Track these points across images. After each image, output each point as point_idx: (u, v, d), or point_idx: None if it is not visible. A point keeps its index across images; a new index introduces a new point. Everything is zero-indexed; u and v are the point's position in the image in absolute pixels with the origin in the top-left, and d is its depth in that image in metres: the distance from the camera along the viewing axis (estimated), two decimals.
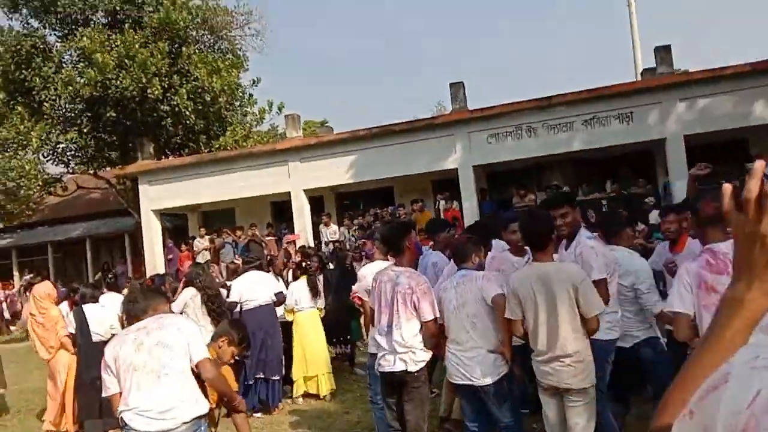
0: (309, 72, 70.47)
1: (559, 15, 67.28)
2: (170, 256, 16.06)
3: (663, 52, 13.29)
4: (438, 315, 4.06)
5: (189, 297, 6.30)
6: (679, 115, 12.84)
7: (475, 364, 3.85)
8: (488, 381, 3.81)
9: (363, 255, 11.06)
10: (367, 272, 5.17)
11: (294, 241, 12.88)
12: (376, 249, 5.75)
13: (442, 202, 13.98)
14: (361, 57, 73.14)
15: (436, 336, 4.09)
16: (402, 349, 4.03)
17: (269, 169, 15.39)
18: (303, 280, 7.60)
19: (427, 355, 4.16)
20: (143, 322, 3.37)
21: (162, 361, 3.21)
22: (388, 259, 4.82)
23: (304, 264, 7.91)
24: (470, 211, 13.60)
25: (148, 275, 13.06)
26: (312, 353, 7.24)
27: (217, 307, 6.31)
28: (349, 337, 8.52)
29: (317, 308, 7.61)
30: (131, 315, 3.55)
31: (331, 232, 14.67)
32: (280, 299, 7.11)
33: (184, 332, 3.31)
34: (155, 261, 16.08)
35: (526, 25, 68.61)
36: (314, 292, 7.52)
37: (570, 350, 3.55)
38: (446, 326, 4.05)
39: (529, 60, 66.95)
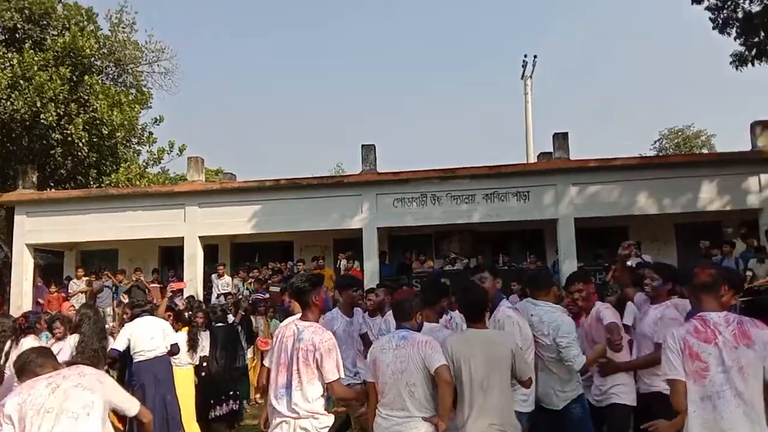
0: (214, 118, 69.13)
1: (461, 93, 71.09)
2: (39, 299, 14.62)
3: (561, 139, 14.22)
4: (342, 375, 3.77)
5: (74, 344, 5.52)
6: (571, 198, 13.66)
7: None
8: None
9: (266, 308, 10.72)
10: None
11: (180, 290, 12.15)
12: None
13: (344, 261, 13.83)
14: (268, 110, 73.01)
15: (345, 399, 3.87)
16: (304, 413, 3.65)
17: (163, 212, 14.62)
18: (183, 332, 7.06)
19: (330, 420, 3.81)
20: (54, 372, 3.24)
21: (84, 401, 3.10)
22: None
23: (188, 315, 7.38)
24: (371, 272, 13.56)
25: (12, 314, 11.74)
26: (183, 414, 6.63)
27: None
28: (238, 393, 8.05)
29: (192, 364, 7.12)
30: (27, 369, 3.29)
31: (224, 283, 14.01)
32: (174, 351, 6.53)
33: (106, 383, 3.32)
34: (21, 300, 14.57)
35: (428, 100, 71.69)
36: (193, 347, 7.00)
37: (505, 417, 3.65)
38: (380, 390, 3.71)
39: (432, 131, 69.67)
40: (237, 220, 14.53)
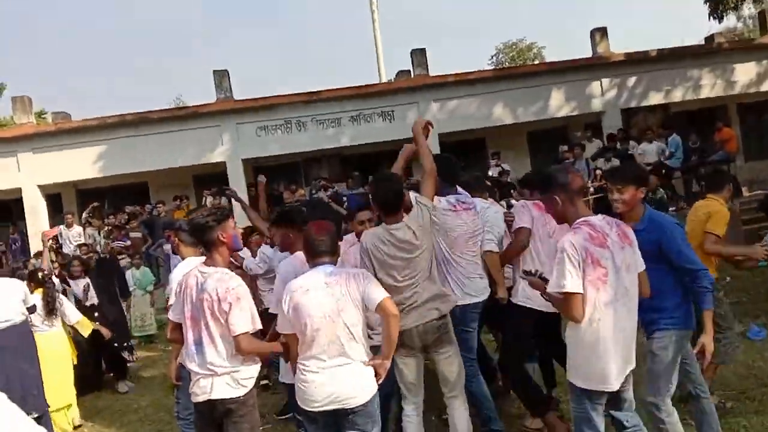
0: (32, 53, 60.76)
1: (312, 15, 68.53)
2: None
3: (419, 55, 14.17)
4: (257, 326, 3.24)
5: None
6: (434, 114, 13.81)
7: (348, 382, 3.08)
8: (361, 401, 3.09)
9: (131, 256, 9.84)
10: (176, 275, 4.04)
11: (56, 236, 10.81)
12: (180, 243, 4.45)
13: (210, 198, 13.04)
14: (98, 40, 65.59)
15: (256, 353, 3.29)
16: (221, 370, 3.20)
17: None
18: (38, 294, 6.14)
19: (255, 370, 3.37)
20: None
21: None
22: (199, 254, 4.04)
23: (40, 275, 6.32)
24: (238, 207, 12.91)
25: None
26: (54, 383, 5.83)
27: None
28: (128, 344, 7.54)
29: (58, 328, 6.21)
30: None
31: (75, 234, 12.66)
32: (33, 312, 5.73)
33: None
34: None
35: (284, 19, 68.36)
36: (50, 311, 6.10)
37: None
38: (307, 339, 3.07)
39: (288, 53, 66.79)
40: (80, 164, 13.09)
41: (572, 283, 2.76)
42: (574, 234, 2.85)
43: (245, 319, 3.15)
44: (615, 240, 2.86)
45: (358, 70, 61.89)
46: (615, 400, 2.99)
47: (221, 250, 3.33)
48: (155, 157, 13.13)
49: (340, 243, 3.70)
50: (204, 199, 13.52)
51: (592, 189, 11.57)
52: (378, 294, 3.08)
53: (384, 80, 21.04)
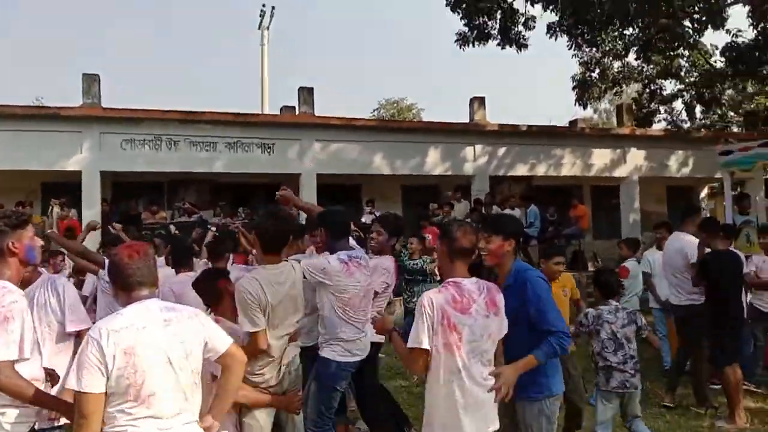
0: None
1: (201, 37, 66.73)
2: None
3: (306, 94, 14.12)
4: (23, 356, 2.56)
5: None
6: (315, 153, 13.74)
7: None
8: None
9: None
10: None
11: None
12: None
13: (57, 209, 11.88)
14: None
15: (7, 391, 2.52)
16: None
17: None
18: None
19: (27, 415, 2.69)
20: None
21: None
22: None
23: None
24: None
25: None
26: None
27: None
28: None
29: None
30: None
31: None
32: None
33: None
34: None
35: (170, 28, 65.73)
36: None
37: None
38: (138, 394, 2.30)
39: (168, 70, 64.04)
40: None
41: (421, 339, 2.73)
42: (438, 292, 2.81)
43: (8, 344, 2.50)
44: (481, 307, 2.80)
45: (238, 99, 60.94)
46: None
47: (9, 261, 2.73)
48: (3, 156, 11.78)
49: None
50: (50, 208, 12.33)
51: None
52: (223, 340, 2.53)
53: (266, 112, 20.77)
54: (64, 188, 12.55)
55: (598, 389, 4.43)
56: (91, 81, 12.47)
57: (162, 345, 2.34)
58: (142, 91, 54.89)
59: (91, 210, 12.02)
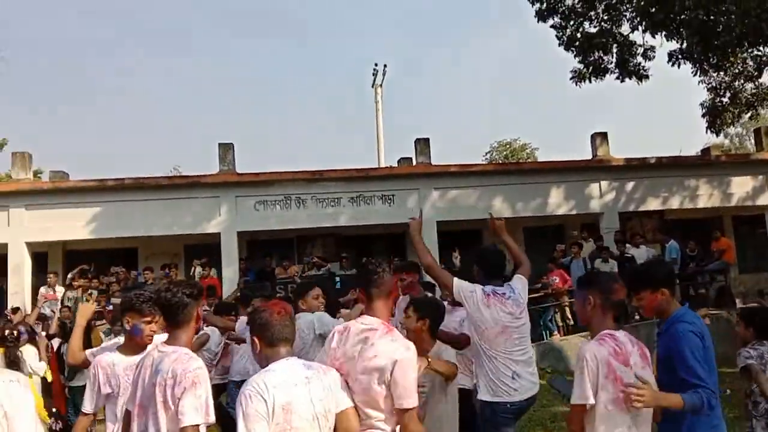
0: (37, 111, 61.61)
1: (315, 99, 70.56)
2: None
3: (422, 144, 14.40)
4: (210, 420, 2.67)
5: None
6: (433, 202, 13.88)
7: None
8: None
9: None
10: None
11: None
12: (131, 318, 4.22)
13: (199, 269, 12.76)
14: (99, 106, 66.86)
15: None
16: None
17: None
18: None
19: None
20: None
21: None
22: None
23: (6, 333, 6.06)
24: (230, 279, 12.65)
25: None
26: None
27: None
28: None
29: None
30: None
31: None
32: None
33: None
34: None
35: (290, 100, 70.18)
36: (14, 369, 5.79)
37: None
38: None
39: (294, 133, 68.16)
40: (71, 224, 12.85)
41: (586, 394, 2.63)
42: (599, 345, 2.70)
43: (197, 408, 2.60)
44: (637, 360, 2.73)
45: (358, 156, 63.16)
46: None
47: (189, 328, 2.90)
48: (149, 222, 12.96)
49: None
50: (193, 269, 13.24)
51: None
52: (345, 399, 2.59)
53: (383, 165, 21.34)
54: (205, 249, 13.46)
55: None
56: (226, 149, 13.47)
57: (309, 402, 2.43)
58: (271, 156, 58.54)
59: (230, 268, 12.83)
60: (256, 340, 2.58)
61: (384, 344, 2.72)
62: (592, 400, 2.62)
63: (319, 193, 13.41)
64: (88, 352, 3.79)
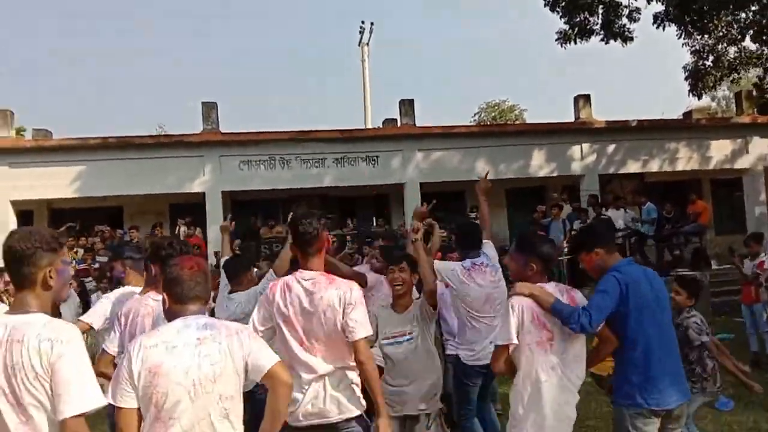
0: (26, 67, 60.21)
1: (300, 57, 69.44)
2: None
3: (407, 106, 14.42)
4: None
5: None
6: (417, 163, 14.00)
7: None
8: None
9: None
10: (109, 303, 3.77)
11: None
12: (129, 270, 4.20)
13: (184, 228, 12.87)
14: (84, 62, 65.47)
15: None
16: None
17: None
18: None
19: None
20: None
21: None
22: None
23: None
24: (215, 239, 12.72)
25: None
26: None
27: None
28: None
29: None
30: None
31: None
32: None
33: None
34: None
35: (282, 59, 69.06)
36: None
37: None
38: (158, 416, 2.20)
39: (280, 92, 67.26)
40: (56, 183, 12.89)
41: (509, 335, 2.91)
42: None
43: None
44: None
45: (343, 114, 62.63)
46: None
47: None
48: (134, 182, 12.99)
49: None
50: (177, 228, 13.36)
51: (566, 250, 11.75)
52: (266, 359, 2.34)
53: (370, 126, 21.33)
54: (190, 209, 13.55)
55: None
56: (209, 108, 13.44)
57: (187, 367, 2.22)
58: (255, 115, 57.94)
59: (214, 227, 12.92)
60: (165, 295, 2.44)
61: (331, 290, 2.89)
62: (515, 340, 2.91)
63: (303, 154, 13.48)
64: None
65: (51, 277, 2.10)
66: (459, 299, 4.32)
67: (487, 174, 5.08)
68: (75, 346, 2.01)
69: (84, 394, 1.96)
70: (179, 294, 2.39)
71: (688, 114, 16.34)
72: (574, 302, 3.02)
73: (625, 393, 3.01)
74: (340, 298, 2.88)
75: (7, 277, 6.37)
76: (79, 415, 1.94)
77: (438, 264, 4.30)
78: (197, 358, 2.23)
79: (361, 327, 2.87)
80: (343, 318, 2.85)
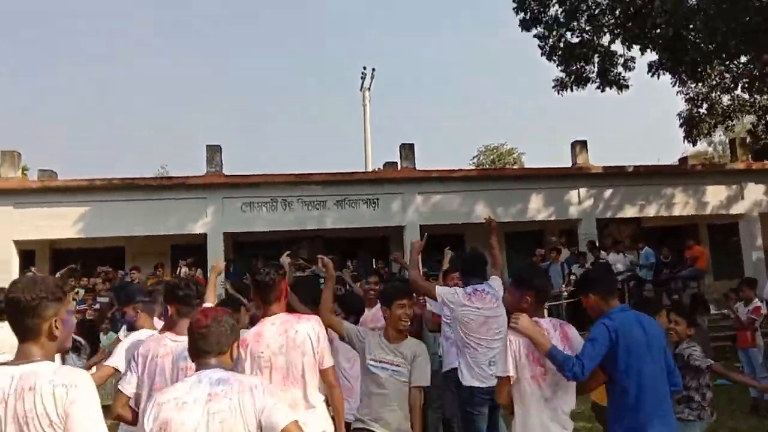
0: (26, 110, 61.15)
1: (304, 100, 70.54)
2: None
3: (407, 149, 14.69)
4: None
5: None
6: (417, 206, 14.19)
7: None
8: None
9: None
10: (127, 345, 3.86)
11: None
12: (140, 314, 4.39)
13: (185, 269, 12.95)
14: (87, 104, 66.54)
15: None
16: None
17: None
18: None
19: None
20: None
21: None
22: (155, 328, 4.05)
23: None
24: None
25: None
26: None
27: None
28: None
29: None
30: None
31: None
32: None
33: None
34: None
35: (285, 101, 70.14)
36: None
37: None
38: None
39: (283, 135, 68.09)
40: (59, 223, 13.04)
41: (507, 368, 3.08)
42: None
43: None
44: (557, 342, 3.13)
45: (344, 158, 63.33)
46: None
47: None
48: (137, 222, 13.15)
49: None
50: (179, 269, 13.43)
51: (565, 293, 11.82)
52: (281, 417, 2.23)
53: (370, 169, 21.63)
54: (192, 250, 13.65)
55: None
56: (213, 151, 13.70)
57: (196, 424, 2.18)
58: (257, 157, 58.53)
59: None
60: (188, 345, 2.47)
61: (302, 324, 3.27)
62: (512, 373, 3.07)
63: (305, 196, 13.68)
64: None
65: (56, 327, 2.06)
66: (457, 322, 4.52)
67: (490, 217, 5.31)
68: (88, 391, 2.00)
69: None
70: (197, 348, 2.38)
71: (683, 160, 16.65)
72: (567, 337, 3.21)
73: None
74: (312, 329, 3.27)
75: None
76: None
77: (440, 288, 4.63)
78: (206, 415, 2.19)
79: (329, 356, 3.31)
80: (318, 346, 3.25)
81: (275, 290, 3.27)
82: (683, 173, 15.53)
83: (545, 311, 3.51)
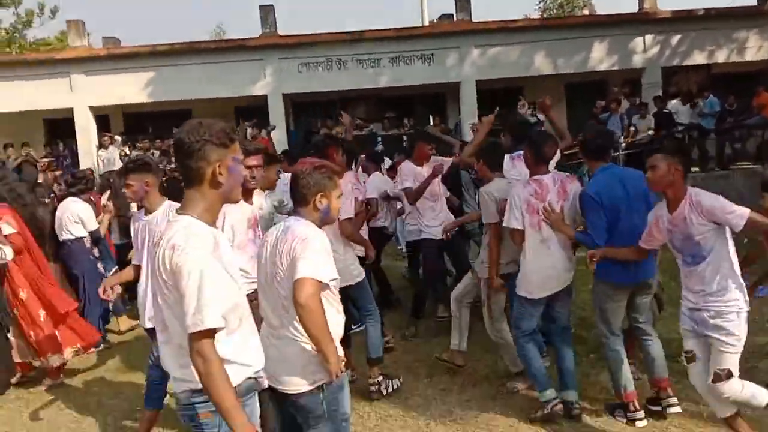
0: None
1: None
2: None
3: (463, 1, 14.17)
4: None
5: None
6: (474, 60, 13.95)
7: (284, 362, 2.49)
8: (300, 389, 2.51)
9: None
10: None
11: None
12: None
13: (249, 130, 13.50)
14: None
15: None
16: None
17: (46, 81, 13.37)
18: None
19: None
20: None
21: None
22: None
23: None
24: (278, 140, 13.40)
25: None
26: None
27: None
28: None
29: None
30: None
31: (107, 156, 12.57)
32: (96, 236, 5.87)
33: None
34: None
35: None
36: None
37: None
38: (260, 299, 2.63)
39: None
40: (129, 88, 13.65)
41: (515, 222, 3.73)
42: (523, 188, 3.75)
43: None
44: (553, 197, 3.70)
45: (399, 14, 60.54)
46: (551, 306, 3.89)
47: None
48: (200, 86, 13.58)
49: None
50: (244, 131, 14.01)
51: (623, 144, 11.74)
52: (302, 268, 2.37)
53: (426, 23, 20.95)
54: (252, 111, 14.12)
55: None
56: (267, 11, 13.69)
57: (264, 261, 2.63)
58: (311, 16, 56.76)
59: (277, 129, 13.54)
60: None
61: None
62: (515, 225, 3.74)
63: (359, 55, 13.66)
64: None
65: (220, 173, 1.95)
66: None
67: (545, 99, 5.10)
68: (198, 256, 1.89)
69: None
70: (291, 198, 2.72)
71: (762, 1, 15.33)
72: (565, 191, 3.73)
73: (603, 272, 3.60)
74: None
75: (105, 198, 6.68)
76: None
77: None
78: (272, 253, 2.52)
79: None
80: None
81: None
82: (760, 14, 14.41)
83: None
